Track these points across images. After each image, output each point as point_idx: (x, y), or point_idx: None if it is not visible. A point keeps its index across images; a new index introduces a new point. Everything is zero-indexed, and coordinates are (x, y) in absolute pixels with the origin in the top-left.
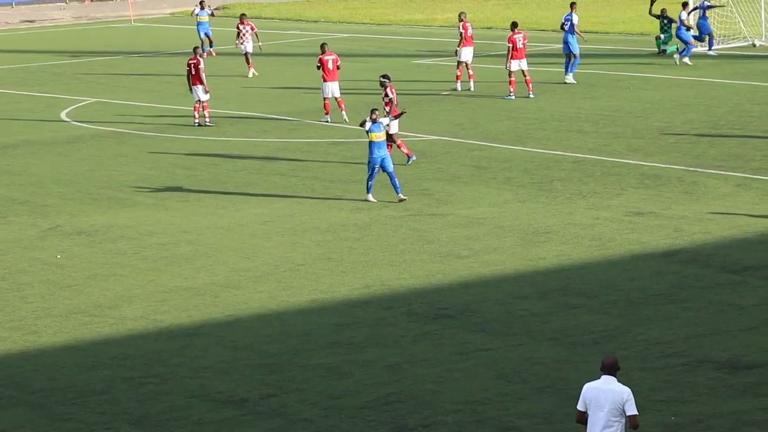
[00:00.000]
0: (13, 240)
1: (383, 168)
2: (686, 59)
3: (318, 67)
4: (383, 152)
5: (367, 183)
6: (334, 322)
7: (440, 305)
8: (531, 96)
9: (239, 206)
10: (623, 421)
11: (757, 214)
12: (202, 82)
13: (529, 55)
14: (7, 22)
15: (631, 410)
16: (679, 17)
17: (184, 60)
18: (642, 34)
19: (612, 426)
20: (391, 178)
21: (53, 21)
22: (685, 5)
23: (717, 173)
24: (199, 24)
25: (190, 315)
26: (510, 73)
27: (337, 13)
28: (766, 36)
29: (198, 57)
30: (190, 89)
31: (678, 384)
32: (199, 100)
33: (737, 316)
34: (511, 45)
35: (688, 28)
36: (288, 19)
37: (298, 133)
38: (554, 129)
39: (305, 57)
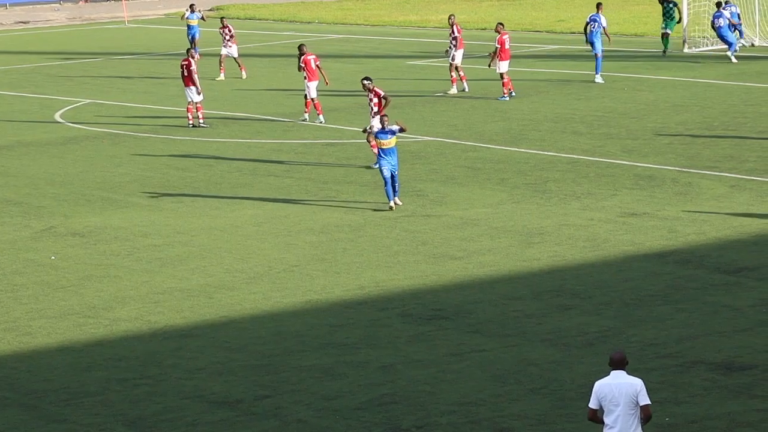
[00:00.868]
0: (7, 241)
1: (390, 173)
2: (732, 55)
3: (301, 68)
4: (391, 158)
5: (385, 190)
6: (329, 323)
7: (434, 306)
8: (506, 98)
9: (233, 207)
10: (638, 412)
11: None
12: (194, 84)
13: (523, 57)
14: (2, 23)
15: (644, 400)
16: (723, 16)
17: (179, 61)
18: (636, 35)
19: (629, 419)
20: (393, 182)
21: (47, 22)
22: (719, 5)
23: (711, 174)
24: (189, 27)
25: (184, 316)
26: (502, 75)
27: (331, 14)
28: (760, 36)
29: (190, 58)
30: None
31: (672, 385)
32: (192, 102)
33: (731, 317)
34: (500, 46)
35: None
36: (282, 20)
37: (293, 135)
38: (548, 130)
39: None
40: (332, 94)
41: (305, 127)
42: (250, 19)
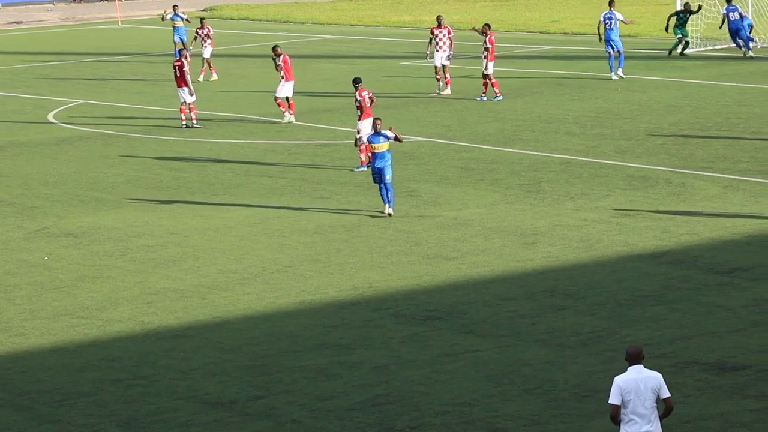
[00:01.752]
0: (0, 242)
1: (381, 178)
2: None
3: (279, 68)
4: (382, 163)
5: (380, 194)
6: (322, 324)
7: (428, 307)
8: (485, 99)
9: (227, 208)
10: (657, 405)
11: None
12: (187, 84)
13: (516, 57)
14: None
15: (666, 393)
16: (737, 10)
17: (172, 62)
18: (630, 36)
19: (653, 412)
20: (386, 190)
21: (40, 22)
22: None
23: (704, 175)
24: (174, 29)
25: (177, 317)
26: (487, 76)
27: (324, 15)
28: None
29: (183, 59)
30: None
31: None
32: (185, 102)
33: (725, 318)
34: (491, 46)
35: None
36: (276, 21)
37: (286, 135)
38: (542, 130)
39: (293, 59)
40: (325, 95)
41: (298, 127)
42: (243, 19)
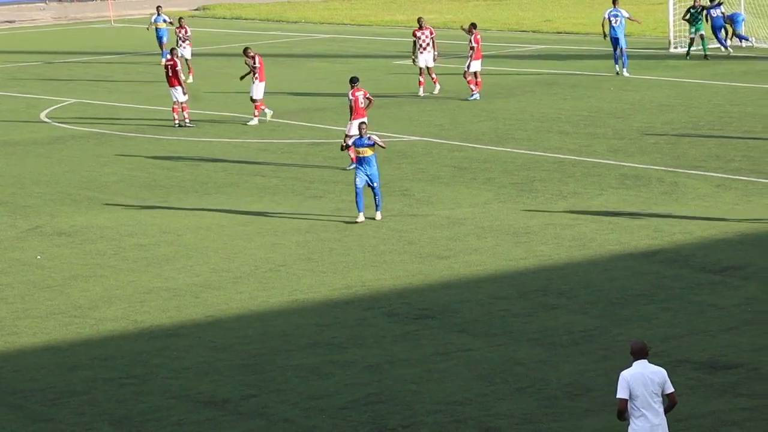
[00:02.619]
0: None
1: (368, 183)
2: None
3: (255, 70)
4: (368, 168)
5: (355, 200)
6: (315, 323)
7: (421, 306)
8: (477, 97)
9: (220, 207)
10: (662, 400)
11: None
12: (180, 83)
13: (509, 57)
14: None
15: (671, 388)
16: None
17: (162, 61)
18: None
19: (659, 406)
20: (374, 195)
21: (33, 21)
22: (720, 5)
23: (697, 174)
24: (157, 30)
25: (170, 316)
26: (473, 74)
27: (317, 14)
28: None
29: (175, 58)
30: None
31: None
32: (178, 101)
33: (717, 317)
34: (476, 45)
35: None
36: (268, 20)
37: (279, 134)
38: (535, 130)
39: (286, 58)
40: (318, 94)
41: (291, 127)
42: (236, 18)
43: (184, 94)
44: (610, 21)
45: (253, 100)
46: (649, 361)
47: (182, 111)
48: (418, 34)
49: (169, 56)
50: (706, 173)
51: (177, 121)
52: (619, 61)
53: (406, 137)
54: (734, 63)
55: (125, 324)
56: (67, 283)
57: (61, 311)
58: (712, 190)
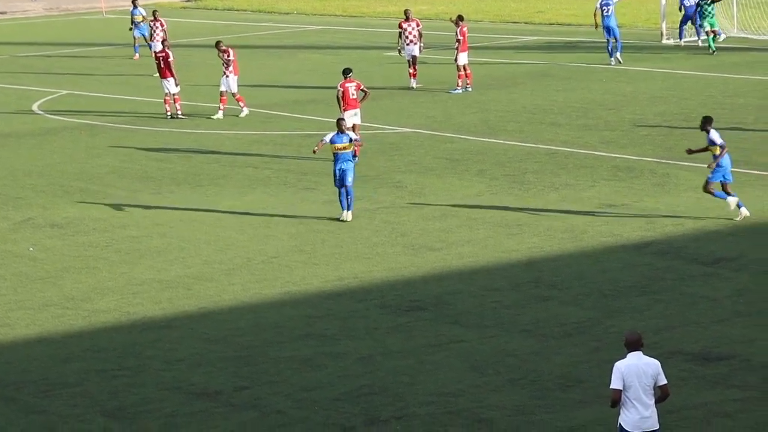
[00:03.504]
0: None
1: (342, 181)
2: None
3: (229, 63)
4: (345, 164)
5: (339, 199)
6: (307, 314)
7: (413, 297)
8: (470, 89)
9: (212, 199)
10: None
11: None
12: (172, 75)
13: (502, 48)
14: None
15: (664, 380)
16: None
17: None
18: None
19: (651, 398)
20: (347, 193)
21: (24, 13)
22: None
23: (689, 165)
24: (135, 24)
25: (162, 307)
26: (461, 67)
27: (309, 5)
28: (738, 28)
29: (167, 50)
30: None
31: None
32: (170, 93)
33: (709, 308)
34: (462, 38)
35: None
36: (261, 11)
37: (271, 126)
38: (527, 121)
39: (278, 49)
40: (310, 86)
41: (284, 118)
42: (228, 9)
43: (177, 85)
44: (602, 11)
45: (221, 93)
46: (643, 353)
47: (174, 102)
48: (405, 26)
49: (161, 48)
50: (698, 165)
51: (169, 113)
52: (615, 53)
53: (398, 129)
54: (726, 54)
55: (118, 316)
56: (59, 274)
57: (54, 303)
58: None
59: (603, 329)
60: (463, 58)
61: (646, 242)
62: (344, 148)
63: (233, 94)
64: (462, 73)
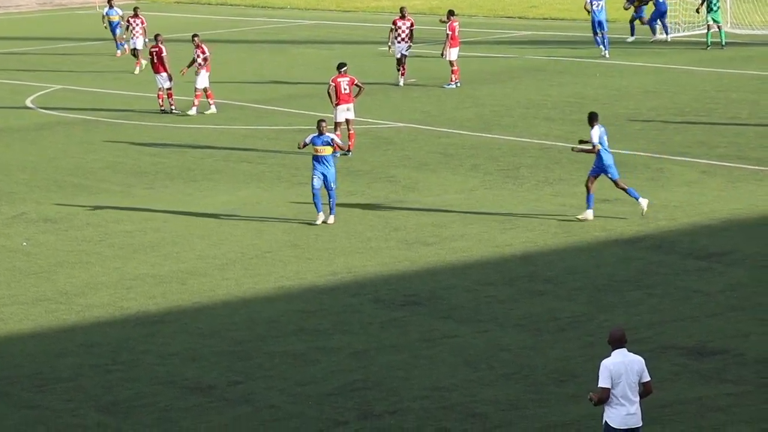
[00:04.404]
0: None
1: (324, 184)
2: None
3: (205, 60)
4: (325, 168)
5: (313, 201)
6: (301, 309)
7: (407, 292)
8: (453, 85)
9: (206, 193)
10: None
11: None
12: (165, 69)
13: (495, 43)
14: None
15: (647, 376)
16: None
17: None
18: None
19: (637, 395)
20: (330, 196)
21: (18, 7)
22: None
23: (682, 160)
24: (110, 23)
25: (156, 302)
26: (451, 62)
27: (303, 0)
28: (732, 23)
29: (160, 45)
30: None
31: None
32: (163, 88)
33: (702, 303)
34: (450, 33)
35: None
36: (254, 6)
37: (265, 121)
38: (521, 116)
39: (272, 44)
40: (304, 81)
41: (278, 113)
42: (221, 4)
43: (170, 80)
44: (592, 5)
45: (195, 90)
46: (628, 350)
47: (168, 97)
48: (399, 23)
49: (154, 43)
50: (691, 159)
51: (162, 107)
52: (602, 45)
53: (392, 124)
54: (719, 49)
55: (111, 310)
56: (53, 269)
57: (47, 298)
58: (698, 177)
59: (597, 324)
60: (453, 54)
61: (640, 237)
62: (325, 151)
63: (204, 90)
64: (456, 68)
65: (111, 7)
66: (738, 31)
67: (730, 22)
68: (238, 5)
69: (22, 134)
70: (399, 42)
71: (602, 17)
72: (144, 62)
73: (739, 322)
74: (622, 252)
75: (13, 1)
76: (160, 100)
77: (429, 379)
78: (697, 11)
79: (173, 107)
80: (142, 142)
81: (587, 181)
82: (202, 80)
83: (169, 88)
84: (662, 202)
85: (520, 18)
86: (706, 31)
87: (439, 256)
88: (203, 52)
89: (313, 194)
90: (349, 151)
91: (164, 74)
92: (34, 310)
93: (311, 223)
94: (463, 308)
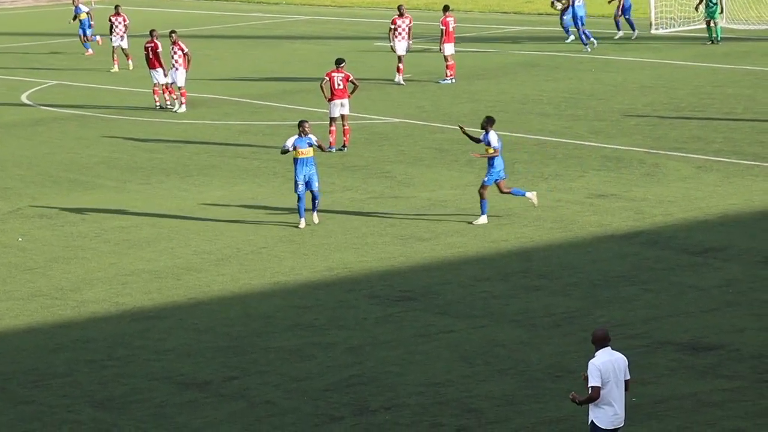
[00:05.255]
0: None
1: (308, 186)
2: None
3: (186, 56)
4: (309, 170)
5: (297, 206)
6: (297, 305)
7: (402, 288)
8: (448, 81)
9: (201, 189)
10: None
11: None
12: (161, 65)
13: (491, 38)
14: None
15: (628, 374)
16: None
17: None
18: (603, 16)
19: (623, 393)
20: (314, 197)
21: (13, 3)
22: None
23: (678, 155)
24: (80, 22)
25: (152, 298)
26: (446, 58)
27: None
28: (727, 19)
29: (155, 40)
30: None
31: (639, 365)
32: (158, 83)
33: (697, 298)
34: (444, 28)
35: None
36: (249, 1)
37: (260, 116)
38: (516, 111)
39: (267, 40)
40: (299, 76)
41: (273, 108)
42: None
43: (165, 75)
44: (572, 1)
45: (179, 87)
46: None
47: (163, 93)
48: (398, 21)
49: (150, 38)
50: (687, 155)
51: (157, 103)
52: (587, 39)
53: (388, 119)
54: (714, 45)
55: (107, 306)
56: (48, 265)
57: (43, 293)
58: (694, 172)
59: (592, 319)
60: (448, 49)
61: (635, 232)
62: (307, 153)
63: (179, 87)
64: (452, 63)
65: (77, 6)
66: (734, 27)
67: (726, 17)
68: (233, 0)
69: (17, 130)
70: (400, 40)
71: (581, 12)
72: (131, 62)
73: (735, 318)
74: (618, 247)
75: None
76: (156, 96)
77: (424, 375)
78: (696, 9)
79: (169, 103)
80: (137, 138)
81: (482, 189)
82: (182, 77)
83: (165, 84)
84: (658, 197)
85: (515, 13)
86: (705, 26)
87: (435, 252)
88: (181, 49)
89: (299, 198)
90: (344, 146)
91: (160, 70)
92: (29, 305)
93: (297, 227)
94: (459, 304)
